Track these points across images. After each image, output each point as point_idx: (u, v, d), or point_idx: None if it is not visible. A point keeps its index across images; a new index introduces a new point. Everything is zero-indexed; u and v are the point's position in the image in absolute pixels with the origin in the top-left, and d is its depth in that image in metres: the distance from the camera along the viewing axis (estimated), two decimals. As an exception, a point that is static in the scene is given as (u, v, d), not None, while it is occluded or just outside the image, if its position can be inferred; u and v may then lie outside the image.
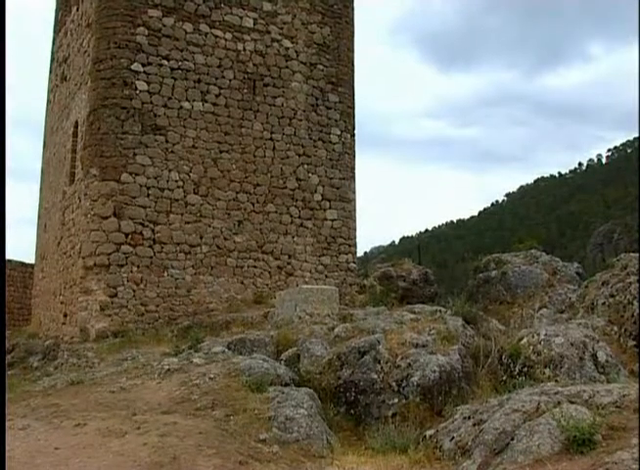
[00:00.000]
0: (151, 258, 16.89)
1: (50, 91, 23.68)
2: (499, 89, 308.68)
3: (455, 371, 8.98)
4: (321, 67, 20.20)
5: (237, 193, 18.27)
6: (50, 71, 24.12)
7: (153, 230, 16.99)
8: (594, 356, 9.00)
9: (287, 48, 19.67)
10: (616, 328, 10.66)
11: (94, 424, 7.22)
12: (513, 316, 15.24)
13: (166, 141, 17.48)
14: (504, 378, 9.02)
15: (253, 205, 18.51)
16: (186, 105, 17.86)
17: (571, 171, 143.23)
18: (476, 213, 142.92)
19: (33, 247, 23.74)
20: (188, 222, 17.47)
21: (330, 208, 19.68)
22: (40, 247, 22.68)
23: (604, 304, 11.58)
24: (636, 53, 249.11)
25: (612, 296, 11.51)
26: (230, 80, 18.62)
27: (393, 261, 22.52)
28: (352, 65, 21.05)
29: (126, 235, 16.68)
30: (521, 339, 9.52)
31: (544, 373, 8.67)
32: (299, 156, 19.43)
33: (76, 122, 19.12)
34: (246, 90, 18.79)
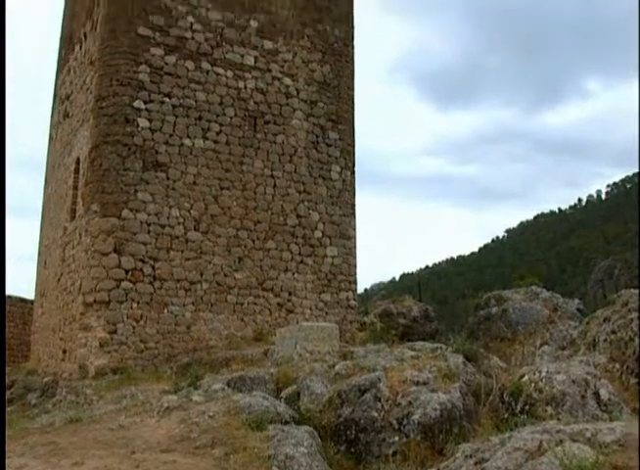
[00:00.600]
0: (151, 294, 16.86)
1: (52, 128, 23.84)
2: (498, 127, 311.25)
3: (456, 409, 8.91)
4: (321, 104, 20.37)
5: (237, 230, 18.31)
6: (52, 109, 24.33)
7: (153, 267, 16.99)
8: (596, 394, 8.93)
9: (287, 86, 19.86)
10: (617, 365, 10.59)
11: (92, 463, 7.15)
12: (514, 353, 15.16)
13: (167, 178, 17.56)
14: (505, 416, 8.94)
15: (254, 241, 18.53)
16: (187, 142, 17.98)
17: (570, 207, 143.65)
18: (476, 250, 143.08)
19: (33, 283, 23.72)
20: (188, 259, 17.48)
21: (330, 244, 19.70)
22: (40, 283, 22.64)
23: (605, 340, 11.52)
24: (635, 88, 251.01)
25: (613, 332, 11.45)
26: (231, 118, 18.77)
27: (394, 298, 22.45)
28: (352, 102, 21.22)
29: (127, 271, 16.68)
30: (522, 376, 9.46)
31: (546, 411, 8.60)
32: (300, 193, 19.51)
33: (78, 159, 19.22)
34: (247, 127, 18.93)
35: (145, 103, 17.65)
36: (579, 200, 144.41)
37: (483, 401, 9.49)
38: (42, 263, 22.57)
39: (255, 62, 19.48)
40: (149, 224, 17.13)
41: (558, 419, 7.92)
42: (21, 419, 11.83)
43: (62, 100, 22.74)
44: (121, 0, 18.11)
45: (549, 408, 8.63)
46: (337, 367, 11.32)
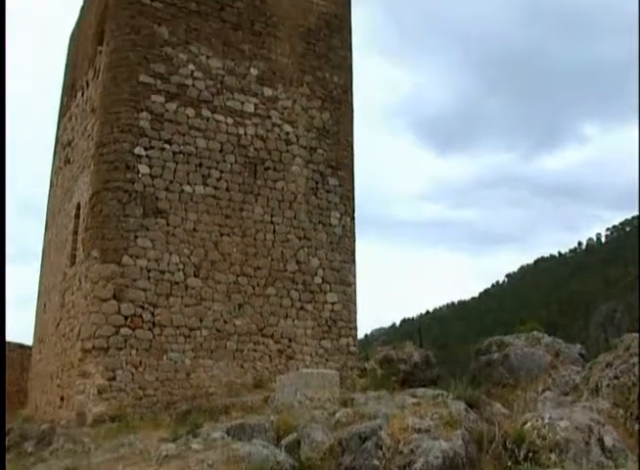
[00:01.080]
0: (150, 341, 16.77)
1: (53, 174, 24.02)
2: (496, 171, 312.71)
3: (459, 457, 8.80)
4: (321, 151, 20.53)
5: (237, 276, 18.29)
6: (54, 154, 24.54)
7: (152, 313, 16.93)
8: (600, 441, 8.83)
9: (287, 132, 20.03)
10: (621, 411, 10.49)
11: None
12: (516, 400, 15.01)
13: (167, 224, 17.60)
14: (509, 464, 8.83)
15: (254, 288, 18.50)
16: (187, 188, 18.07)
17: (570, 251, 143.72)
18: (476, 295, 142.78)
19: (32, 328, 23.62)
20: (188, 305, 17.43)
21: (330, 291, 19.67)
22: (39, 329, 22.56)
23: (608, 386, 11.43)
24: (633, 131, 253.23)
25: (616, 377, 11.37)
26: (231, 164, 18.89)
27: (394, 344, 22.37)
28: (352, 149, 21.39)
29: (126, 318, 16.62)
30: (525, 423, 9.37)
31: (550, 458, 8.49)
32: (300, 239, 19.53)
33: (79, 205, 19.31)
34: (247, 174, 19.04)
35: (145, 149, 17.78)
36: (579, 243, 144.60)
37: (486, 449, 9.37)
38: (41, 309, 22.51)
39: (255, 109, 19.67)
40: (149, 270, 17.12)
41: (562, 467, 7.82)
42: (16, 468, 11.68)
43: (63, 146, 22.94)
44: (123, 49, 18.38)
45: (553, 456, 8.52)
46: (337, 415, 11.21)
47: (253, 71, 19.93)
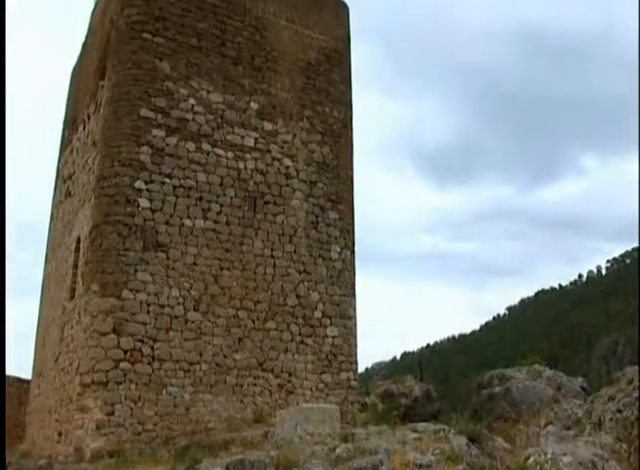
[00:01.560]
0: (149, 375, 16.67)
1: (54, 207, 24.06)
2: (495, 204, 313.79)
3: (461, 493, 8.71)
4: (321, 185, 20.59)
5: (237, 310, 18.24)
6: (55, 188, 24.61)
7: (152, 347, 16.85)
8: (604, 477, 8.75)
9: (287, 166, 20.11)
10: (625, 446, 10.42)
11: None
12: (518, 434, 14.90)
13: (167, 258, 17.59)
14: (512, 500, 8.74)
15: (254, 322, 18.43)
16: (187, 222, 18.09)
17: (571, 283, 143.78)
18: (477, 328, 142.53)
19: (29, 362, 23.51)
20: (188, 339, 17.35)
21: (330, 325, 19.58)
22: (37, 362, 22.45)
23: (611, 420, 11.37)
24: (633, 163, 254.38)
25: (619, 411, 11.31)
26: (231, 198, 18.94)
27: (395, 378, 22.28)
28: (352, 182, 21.46)
29: (125, 352, 16.53)
30: (527, 458, 9.29)
31: (553, 495, 8.41)
32: (300, 273, 19.51)
33: (79, 238, 19.32)
34: (247, 208, 19.08)
35: (146, 183, 17.83)
36: (580, 276, 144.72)
37: (489, 485, 9.28)
38: (40, 342, 22.42)
39: (255, 143, 19.77)
40: (148, 304, 17.07)
41: (565, 504, 7.74)
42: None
43: (64, 179, 23.03)
44: (125, 83, 18.52)
45: (556, 492, 8.45)
46: (338, 450, 11.12)
47: (254, 106, 20.07)
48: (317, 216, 20.25)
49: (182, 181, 18.29)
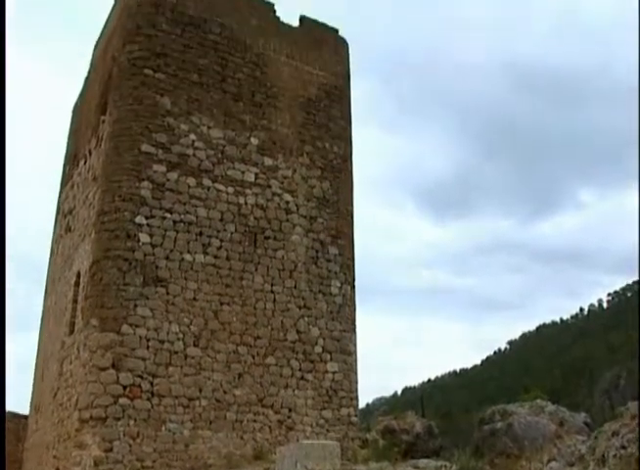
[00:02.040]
0: (148, 411, 16.54)
1: (54, 242, 24.10)
2: (495, 237, 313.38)
3: (463, 533, 8.62)
4: (321, 220, 20.65)
5: (237, 345, 18.16)
6: (55, 222, 24.69)
7: (151, 383, 16.74)
8: (608, 515, 8.65)
9: (287, 202, 20.17)
10: (628, 483, 10.30)
11: None
12: (521, 471, 14.78)
13: (167, 293, 17.56)
14: None
15: (254, 357, 18.34)
16: (188, 257, 18.09)
17: (572, 317, 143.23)
18: (478, 362, 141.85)
19: (26, 397, 23.37)
20: (187, 375, 17.25)
21: (331, 360, 19.50)
22: (36, 397, 22.32)
23: (615, 456, 11.25)
24: (632, 197, 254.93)
25: (623, 447, 11.20)
26: (231, 233, 18.96)
27: (396, 414, 22.15)
28: (352, 218, 21.52)
29: (124, 387, 16.42)
30: (530, 496, 9.20)
31: None
32: (300, 308, 19.47)
33: (79, 273, 19.30)
34: (247, 243, 19.10)
35: (146, 218, 17.86)
36: (581, 309, 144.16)
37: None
38: (39, 377, 22.31)
39: (256, 178, 19.85)
40: (148, 340, 17.00)
41: None
42: None
43: (64, 214, 23.09)
44: (126, 119, 18.65)
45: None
46: (339, 488, 11.01)
47: (254, 141, 20.19)
48: (317, 252, 20.27)
49: (182, 216, 18.33)
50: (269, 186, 20.04)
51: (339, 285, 20.35)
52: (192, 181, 18.79)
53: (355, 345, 20.23)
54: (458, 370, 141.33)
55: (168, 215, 18.14)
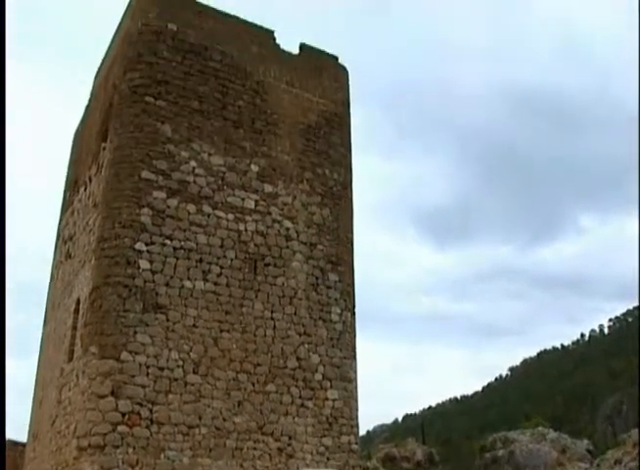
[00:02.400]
0: (148, 439, 16.41)
1: (54, 268, 24.06)
2: (495, 264, 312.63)
3: None
4: (321, 247, 20.65)
5: (237, 373, 18.07)
6: (55, 249, 24.66)
7: (150, 410, 16.63)
8: None
9: (287, 228, 20.17)
10: (631, 512, 10.23)
11: None
12: (523, 500, 14.68)
13: (167, 320, 17.50)
14: None
15: (254, 385, 18.24)
16: (188, 284, 18.07)
17: (573, 343, 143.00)
18: (479, 389, 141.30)
19: (26, 424, 23.19)
20: (187, 402, 17.14)
21: (331, 387, 19.38)
22: (34, 425, 22.15)
23: (617, 485, 11.19)
24: (632, 222, 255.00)
25: (624, 477, 11.14)
26: (231, 260, 18.95)
27: (397, 441, 22.05)
28: (352, 244, 21.53)
29: (123, 415, 16.30)
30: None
31: None
32: (300, 335, 19.40)
33: (78, 299, 19.25)
34: (247, 270, 19.08)
35: (146, 245, 17.86)
36: (582, 335, 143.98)
37: None
38: (37, 404, 22.15)
39: (256, 205, 19.88)
40: (147, 367, 16.92)
41: None
42: None
43: (64, 240, 23.09)
44: (126, 146, 18.72)
45: None
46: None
47: (254, 168, 20.24)
48: (317, 278, 20.25)
49: (182, 243, 18.33)
50: (269, 213, 20.06)
51: (339, 312, 20.30)
52: (192, 208, 18.81)
53: (356, 372, 20.14)
54: (459, 397, 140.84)
55: (168, 242, 18.15)
